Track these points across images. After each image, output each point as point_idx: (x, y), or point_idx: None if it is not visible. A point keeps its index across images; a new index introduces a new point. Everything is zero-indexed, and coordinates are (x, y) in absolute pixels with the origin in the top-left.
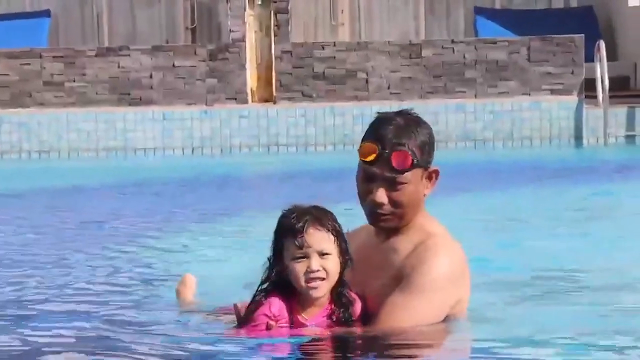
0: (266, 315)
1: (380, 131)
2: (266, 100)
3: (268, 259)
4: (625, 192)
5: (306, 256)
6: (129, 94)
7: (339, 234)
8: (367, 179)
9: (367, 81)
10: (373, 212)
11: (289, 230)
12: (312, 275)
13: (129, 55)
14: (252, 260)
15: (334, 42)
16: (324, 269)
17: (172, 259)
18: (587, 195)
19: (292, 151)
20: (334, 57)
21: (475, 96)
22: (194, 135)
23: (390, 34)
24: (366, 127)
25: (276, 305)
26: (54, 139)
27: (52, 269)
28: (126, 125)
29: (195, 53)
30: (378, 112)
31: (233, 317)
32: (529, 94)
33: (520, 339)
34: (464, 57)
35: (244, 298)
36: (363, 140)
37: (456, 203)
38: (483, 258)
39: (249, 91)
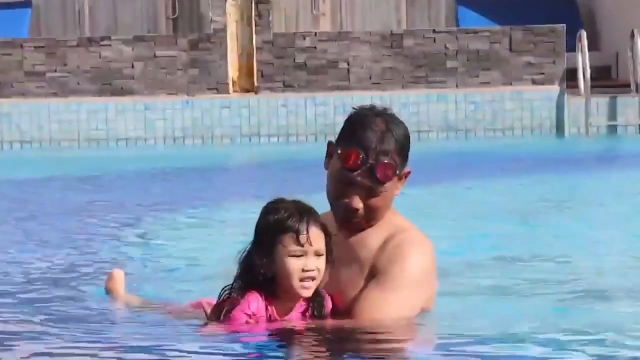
0: (246, 314)
1: (363, 138)
2: (247, 91)
3: (250, 253)
4: (606, 182)
5: (303, 255)
6: (110, 84)
7: (329, 234)
8: (344, 183)
9: (348, 71)
10: (345, 216)
11: (288, 227)
12: (307, 274)
13: (110, 45)
14: (230, 253)
15: (315, 32)
16: (317, 268)
17: (148, 250)
18: (569, 185)
19: (274, 141)
20: (315, 48)
21: (457, 86)
22: (175, 126)
23: (371, 24)
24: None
25: (255, 303)
26: (35, 130)
27: (18, 260)
28: (107, 115)
29: (176, 43)
30: (354, 108)
31: (192, 314)
32: (511, 84)
33: (488, 330)
34: (446, 47)
35: (213, 293)
36: (341, 141)
37: (436, 193)
38: (454, 249)
39: (230, 81)
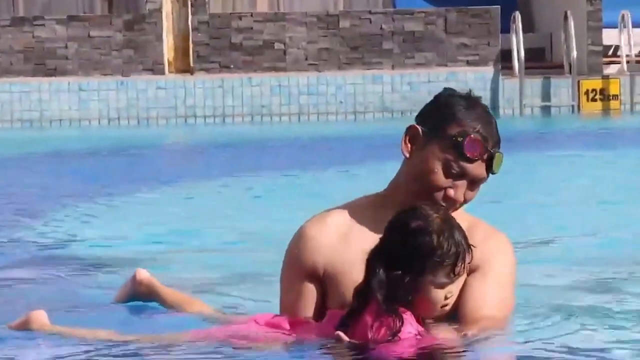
0: (413, 334)
1: (481, 126)
2: (183, 71)
3: (397, 273)
4: (540, 161)
5: (451, 283)
6: (44, 65)
7: None
8: (454, 172)
9: (284, 52)
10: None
11: (446, 261)
12: (447, 301)
13: (43, 25)
14: (161, 237)
15: (251, 13)
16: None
17: (79, 233)
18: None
19: (210, 122)
20: (252, 28)
21: (393, 67)
22: (110, 107)
23: (309, 5)
24: (284, 98)
25: (413, 320)
26: None
27: None
28: (41, 96)
29: (111, 23)
30: (446, 89)
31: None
32: (446, 65)
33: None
34: (381, 28)
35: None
36: (442, 126)
37: (373, 173)
38: None
39: (165, 62)
